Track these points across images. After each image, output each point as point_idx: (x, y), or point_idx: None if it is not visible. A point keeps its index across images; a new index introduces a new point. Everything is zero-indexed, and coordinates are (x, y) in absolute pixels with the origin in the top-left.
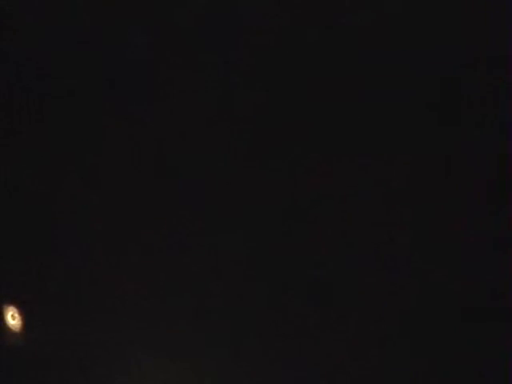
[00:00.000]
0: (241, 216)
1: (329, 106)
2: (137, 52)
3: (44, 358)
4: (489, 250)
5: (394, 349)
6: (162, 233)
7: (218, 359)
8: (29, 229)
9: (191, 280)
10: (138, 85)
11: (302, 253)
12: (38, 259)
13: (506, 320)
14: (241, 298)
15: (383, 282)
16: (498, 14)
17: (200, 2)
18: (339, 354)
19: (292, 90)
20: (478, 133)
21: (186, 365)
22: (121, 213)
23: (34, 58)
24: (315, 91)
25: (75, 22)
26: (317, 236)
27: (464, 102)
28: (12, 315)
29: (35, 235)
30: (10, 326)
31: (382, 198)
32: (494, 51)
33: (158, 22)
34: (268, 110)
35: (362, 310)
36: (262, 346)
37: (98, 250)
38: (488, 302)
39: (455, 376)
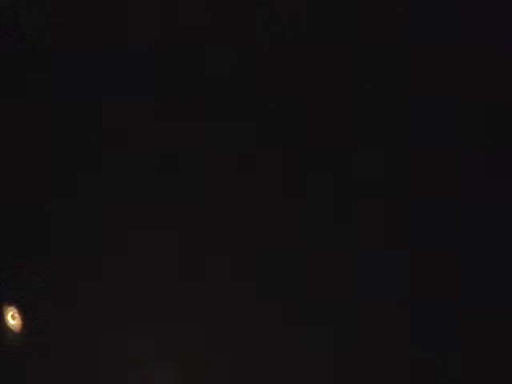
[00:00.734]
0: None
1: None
2: None
3: (44, 358)
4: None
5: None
6: (163, 232)
7: (218, 359)
8: (29, 229)
9: (192, 281)
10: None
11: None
12: (38, 259)
13: None
14: (240, 299)
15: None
16: None
17: None
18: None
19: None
20: None
21: (187, 366)
22: (121, 212)
23: None
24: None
25: None
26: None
27: None
28: (12, 315)
29: (35, 235)
30: (10, 325)
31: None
32: None
33: None
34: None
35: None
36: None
37: (98, 250)
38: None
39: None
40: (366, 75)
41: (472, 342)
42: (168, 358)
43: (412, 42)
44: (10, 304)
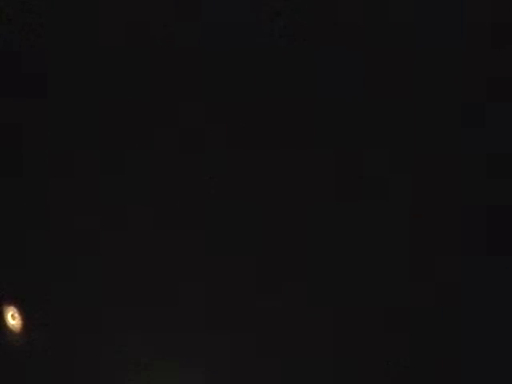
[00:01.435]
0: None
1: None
2: None
3: (44, 358)
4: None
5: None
6: (163, 232)
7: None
8: (29, 229)
9: (194, 282)
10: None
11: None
12: (38, 259)
13: None
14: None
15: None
16: None
17: None
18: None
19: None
20: None
21: (188, 367)
22: (121, 212)
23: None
24: None
25: None
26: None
27: None
28: (12, 315)
29: (35, 235)
30: (10, 325)
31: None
32: None
33: None
34: None
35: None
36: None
37: (98, 250)
38: None
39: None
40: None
41: None
42: (167, 360)
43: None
44: (10, 304)
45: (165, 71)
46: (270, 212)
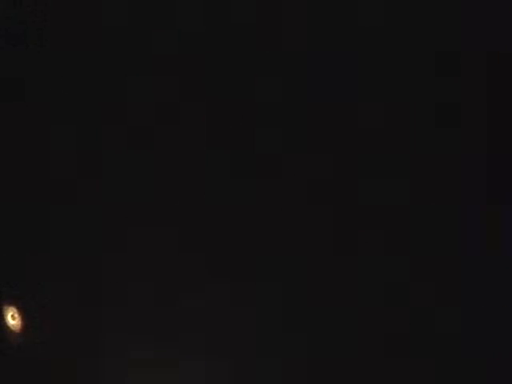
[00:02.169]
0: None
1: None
2: None
3: (44, 358)
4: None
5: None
6: (166, 228)
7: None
8: (29, 229)
9: (196, 282)
10: None
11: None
12: (38, 259)
13: None
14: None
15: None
16: None
17: None
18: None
19: None
20: None
21: (188, 367)
22: (121, 211)
23: None
24: None
25: None
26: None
27: None
28: (12, 315)
29: (35, 235)
30: (10, 325)
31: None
32: None
33: None
34: None
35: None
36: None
37: (98, 250)
38: None
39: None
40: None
41: None
42: (169, 359)
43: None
44: (10, 304)
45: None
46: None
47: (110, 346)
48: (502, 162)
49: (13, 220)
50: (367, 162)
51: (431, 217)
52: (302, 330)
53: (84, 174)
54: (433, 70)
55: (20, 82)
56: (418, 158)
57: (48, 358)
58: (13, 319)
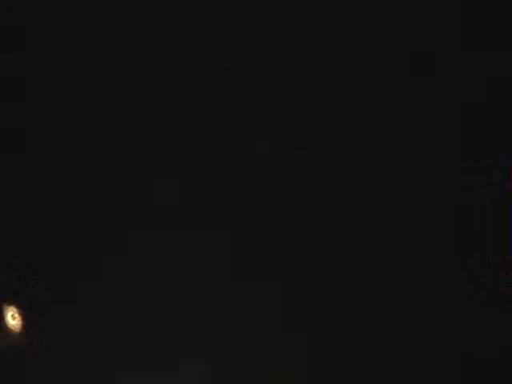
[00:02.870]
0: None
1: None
2: None
3: (44, 358)
4: None
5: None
6: (165, 228)
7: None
8: (29, 229)
9: (194, 283)
10: None
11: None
12: (38, 259)
13: None
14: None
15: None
16: None
17: None
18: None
19: None
20: None
21: (189, 368)
22: (121, 211)
23: None
24: None
25: None
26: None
27: None
28: (12, 315)
29: (35, 235)
30: (10, 325)
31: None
32: None
33: None
34: None
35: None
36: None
37: (98, 250)
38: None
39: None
40: None
41: None
42: (169, 359)
43: None
44: (10, 304)
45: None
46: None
47: (110, 346)
48: None
49: (13, 220)
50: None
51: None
52: (301, 327)
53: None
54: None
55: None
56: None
57: (48, 358)
58: (13, 319)
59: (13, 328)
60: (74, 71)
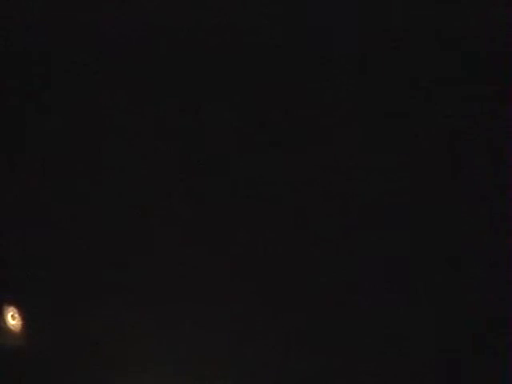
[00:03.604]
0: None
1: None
2: None
3: (44, 358)
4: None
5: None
6: (165, 228)
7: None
8: (29, 229)
9: (194, 283)
10: None
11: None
12: (38, 259)
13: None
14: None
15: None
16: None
17: None
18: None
19: None
20: None
21: (189, 367)
22: (121, 212)
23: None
24: None
25: None
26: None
27: None
28: (12, 315)
29: (35, 235)
30: (10, 325)
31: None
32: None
33: None
34: None
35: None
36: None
37: (98, 250)
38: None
39: None
40: None
41: None
42: (170, 360)
43: None
44: (10, 304)
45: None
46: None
47: (110, 346)
48: None
49: (13, 221)
50: None
51: None
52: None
53: (86, 182)
54: None
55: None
56: None
57: (48, 358)
58: (13, 319)
59: (13, 328)
60: None
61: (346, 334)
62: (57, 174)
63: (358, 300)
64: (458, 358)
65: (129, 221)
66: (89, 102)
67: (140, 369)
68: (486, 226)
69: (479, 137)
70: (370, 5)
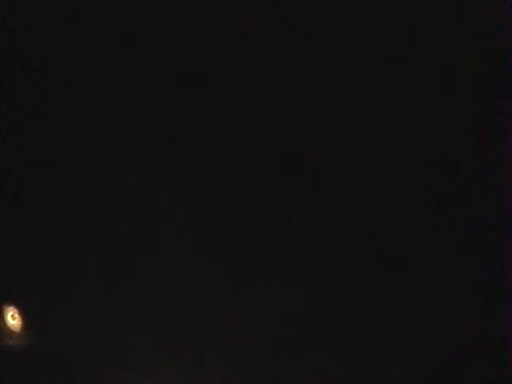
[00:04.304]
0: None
1: None
2: None
3: (44, 358)
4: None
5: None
6: (162, 234)
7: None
8: (29, 229)
9: (197, 284)
10: None
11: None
12: (38, 259)
13: None
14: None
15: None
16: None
17: None
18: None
19: None
20: None
21: (189, 367)
22: (120, 214)
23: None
24: None
25: None
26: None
27: None
28: (12, 315)
29: (35, 235)
30: (10, 325)
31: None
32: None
33: None
34: None
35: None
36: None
37: (98, 250)
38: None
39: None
40: None
41: None
42: (169, 360)
43: None
44: (10, 304)
45: None
46: None
47: (110, 346)
48: None
49: (13, 221)
50: None
51: None
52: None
53: (86, 182)
54: None
55: None
56: None
57: (48, 358)
58: (13, 319)
59: (13, 328)
60: None
61: (346, 335)
62: (57, 174)
63: (358, 300)
64: (457, 358)
65: (131, 220)
66: (81, 100)
67: (140, 369)
68: (486, 226)
69: (479, 137)
70: (370, 5)
